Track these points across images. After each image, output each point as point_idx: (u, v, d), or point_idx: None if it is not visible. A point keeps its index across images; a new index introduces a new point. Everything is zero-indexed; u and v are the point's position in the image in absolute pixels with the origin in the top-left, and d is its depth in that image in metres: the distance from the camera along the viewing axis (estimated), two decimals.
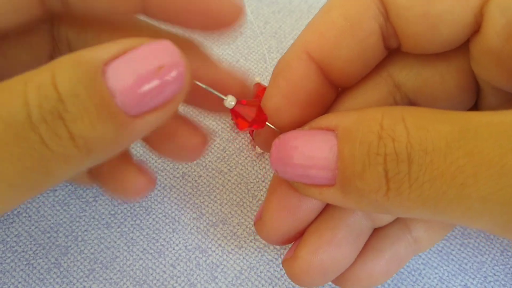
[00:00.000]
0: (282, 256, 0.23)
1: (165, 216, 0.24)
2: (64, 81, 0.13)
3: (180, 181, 0.25)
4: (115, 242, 0.23)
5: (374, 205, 0.14)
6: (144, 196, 0.19)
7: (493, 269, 0.23)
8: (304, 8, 0.31)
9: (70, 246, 0.23)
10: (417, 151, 0.13)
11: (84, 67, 0.13)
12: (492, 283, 0.23)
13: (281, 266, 0.23)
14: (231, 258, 0.23)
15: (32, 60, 0.18)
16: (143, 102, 0.13)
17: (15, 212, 0.24)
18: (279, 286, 0.22)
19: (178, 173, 0.25)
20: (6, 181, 0.13)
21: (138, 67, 0.13)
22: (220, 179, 0.25)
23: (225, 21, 0.17)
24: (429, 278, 0.23)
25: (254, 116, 0.17)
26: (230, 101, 0.17)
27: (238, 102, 0.17)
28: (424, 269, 0.23)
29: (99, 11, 0.16)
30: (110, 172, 0.18)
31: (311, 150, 0.15)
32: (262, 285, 0.22)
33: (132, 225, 0.24)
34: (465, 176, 0.12)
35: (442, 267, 0.23)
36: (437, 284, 0.23)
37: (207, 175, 0.25)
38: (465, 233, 0.24)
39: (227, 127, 0.27)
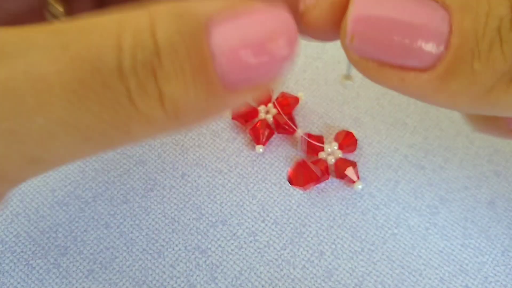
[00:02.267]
0: (282, 257, 0.23)
1: (164, 216, 0.24)
2: (164, 32, 0.11)
3: (180, 181, 0.25)
4: (115, 242, 0.23)
5: (482, 99, 0.12)
6: None
7: (494, 269, 0.23)
8: None
9: (69, 246, 0.23)
10: None
11: (188, 21, 0.11)
12: (493, 284, 0.23)
13: (281, 266, 0.23)
14: (230, 259, 0.23)
15: None
16: (245, 76, 0.12)
17: (14, 212, 0.24)
18: (279, 287, 0.22)
19: (177, 173, 0.25)
20: (82, 134, 0.11)
21: (249, 36, 0.11)
22: (220, 179, 0.25)
23: None
24: (430, 279, 0.23)
25: None
26: None
27: None
28: (424, 269, 0.23)
29: None
30: None
31: (418, 15, 0.11)
32: (262, 286, 0.22)
33: (131, 225, 0.24)
34: None
35: (443, 267, 0.23)
36: (438, 285, 0.23)
37: (207, 175, 0.25)
38: (466, 233, 0.24)
39: (227, 127, 0.26)
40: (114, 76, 0.11)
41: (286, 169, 0.25)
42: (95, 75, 0.11)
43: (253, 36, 0.11)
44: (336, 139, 0.26)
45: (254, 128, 0.26)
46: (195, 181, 0.25)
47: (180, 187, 0.25)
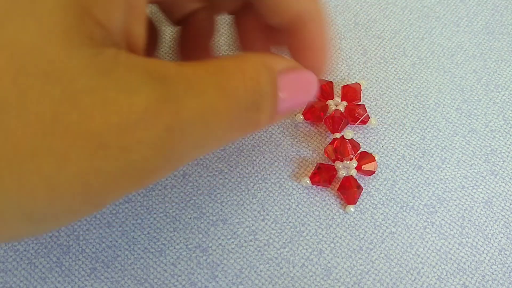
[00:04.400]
0: (282, 255, 0.23)
1: (166, 215, 0.24)
2: (262, 81, 0.17)
3: (181, 180, 0.25)
4: (117, 241, 0.23)
5: None
6: None
7: (491, 268, 0.23)
8: None
9: (72, 245, 0.23)
10: None
11: (272, 72, 0.18)
12: (490, 282, 0.23)
13: (280, 265, 0.23)
14: (231, 257, 0.23)
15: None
16: (288, 109, 0.19)
17: None
18: (279, 285, 0.23)
19: (179, 172, 0.25)
20: (223, 138, 0.17)
21: (298, 86, 0.19)
22: (221, 178, 0.25)
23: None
24: (428, 277, 0.23)
25: None
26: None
27: None
28: (422, 268, 0.23)
29: None
30: None
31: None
32: (262, 284, 0.23)
33: (133, 224, 0.24)
34: None
35: (440, 266, 0.23)
36: (435, 283, 0.23)
37: (208, 174, 0.25)
38: (463, 232, 0.24)
39: None
40: (245, 106, 0.17)
41: (287, 169, 0.26)
42: (237, 106, 0.17)
43: (299, 85, 0.19)
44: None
45: (330, 117, 0.26)
46: (196, 180, 0.25)
47: (181, 186, 0.25)
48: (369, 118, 0.27)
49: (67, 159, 0.13)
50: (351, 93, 0.27)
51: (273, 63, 0.18)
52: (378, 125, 0.27)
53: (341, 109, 0.27)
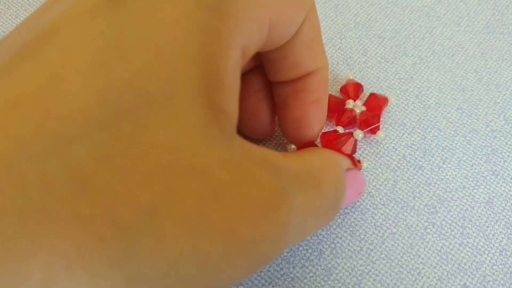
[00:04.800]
0: (282, 256, 0.23)
1: None
2: (343, 180, 0.20)
3: None
4: None
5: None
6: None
7: (492, 268, 0.23)
8: None
9: None
10: None
11: (342, 171, 0.19)
12: (491, 283, 0.23)
13: (280, 265, 0.23)
14: None
15: None
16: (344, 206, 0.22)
17: None
18: (279, 285, 0.23)
19: None
20: (310, 233, 0.19)
21: (355, 187, 0.21)
22: None
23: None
24: (428, 278, 0.23)
25: None
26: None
27: None
28: (423, 268, 0.23)
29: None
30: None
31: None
32: (262, 285, 0.23)
33: None
34: None
35: (441, 266, 0.23)
36: (436, 284, 0.23)
37: None
38: (464, 233, 0.24)
39: None
40: (332, 205, 0.19)
41: None
42: (327, 204, 0.19)
43: (355, 185, 0.22)
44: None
45: (341, 111, 0.26)
46: None
47: None
48: (379, 129, 0.26)
49: (208, 258, 0.13)
50: (375, 103, 0.27)
51: (341, 161, 0.20)
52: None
53: (357, 111, 0.26)
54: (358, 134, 0.25)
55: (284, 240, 0.15)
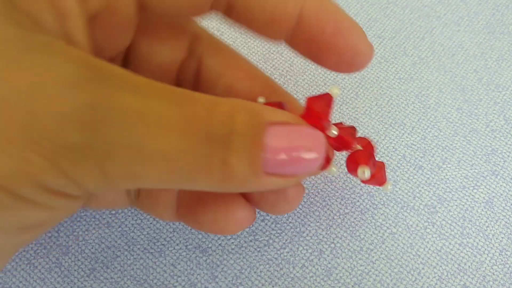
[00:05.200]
0: (282, 256, 0.23)
1: None
2: (240, 120, 0.15)
3: None
4: (116, 241, 0.23)
5: None
6: (240, 230, 0.20)
7: (492, 268, 0.23)
8: None
9: (71, 245, 0.23)
10: None
11: (257, 118, 0.15)
12: (491, 283, 0.23)
13: (280, 265, 0.23)
14: (231, 258, 0.23)
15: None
16: (280, 167, 0.16)
17: None
18: (279, 285, 0.23)
19: None
20: (171, 168, 0.14)
21: (292, 141, 0.16)
22: None
23: (358, 63, 0.19)
24: (428, 278, 0.23)
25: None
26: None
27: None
28: (423, 268, 0.23)
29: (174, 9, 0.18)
30: (214, 199, 0.19)
31: None
32: (262, 284, 0.23)
33: (132, 224, 0.24)
34: None
35: (441, 266, 0.23)
36: (436, 284, 0.23)
37: None
38: (464, 233, 0.24)
39: None
40: (203, 140, 0.14)
41: None
42: (195, 132, 0.14)
43: (295, 141, 0.16)
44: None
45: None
46: None
47: None
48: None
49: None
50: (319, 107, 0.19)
51: (264, 112, 0.16)
52: (379, 124, 0.27)
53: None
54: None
55: (91, 126, 0.14)
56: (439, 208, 0.25)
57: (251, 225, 0.23)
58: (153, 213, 0.22)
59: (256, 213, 0.21)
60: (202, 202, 0.20)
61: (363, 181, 0.20)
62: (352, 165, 0.19)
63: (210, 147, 0.14)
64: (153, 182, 0.15)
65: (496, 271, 0.23)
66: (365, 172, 0.19)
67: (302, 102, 0.28)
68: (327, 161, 0.17)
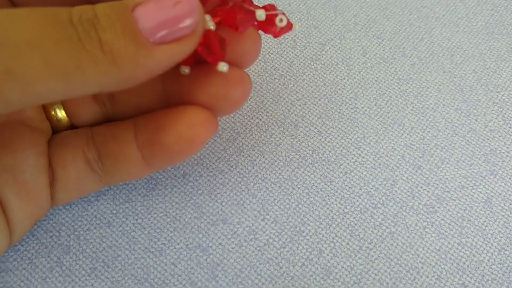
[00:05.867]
0: (282, 255, 0.23)
1: (166, 215, 0.24)
2: (101, 8, 0.16)
3: (181, 180, 0.25)
4: (117, 241, 0.23)
5: None
6: (209, 137, 0.20)
7: (491, 268, 0.23)
8: (303, 9, 0.32)
9: (72, 245, 0.23)
10: None
11: (117, 4, 0.16)
12: (489, 282, 0.23)
13: (280, 264, 0.23)
14: (231, 257, 0.23)
15: None
16: (161, 31, 0.16)
17: None
18: (279, 284, 0.23)
19: (179, 172, 0.25)
20: (44, 56, 0.15)
21: (160, 4, 0.16)
22: (221, 178, 0.25)
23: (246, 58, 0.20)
24: (427, 277, 0.23)
25: None
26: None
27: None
28: (422, 267, 0.23)
29: None
30: (170, 118, 0.20)
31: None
32: (262, 284, 0.23)
33: (133, 224, 0.24)
34: None
35: (440, 266, 0.23)
36: (435, 283, 0.23)
37: (208, 174, 0.25)
38: (462, 232, 0.24)
39: (228, 127, 0.27)
40: (66, 22, 0.15)
41: (287, 169, 0.26)
42: (54, 20, 0.15)
43: (161, 2, 0.16)
44: None
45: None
46: (196, 180, 0.25)
47: (182, 186, 0.25)
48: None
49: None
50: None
51: (126, 1, 0.16)
52: (378, 125, 0.27)
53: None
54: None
55: None
56: (438, 207, 0.25)
57: (215, 133, 0.22)
58: (124, 172, 0.21)
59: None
60: (159, 128, 0.20)
61: (276, 34, 0.20)
62: (264, 24, 0.20)
63: (75, 29, 0.15)
64: (37, 85, 0.15)
65: (495, 270, 0.23)
66: (283, 19, 0.19)
67: (303, 104, 0.28)
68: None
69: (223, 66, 0.18)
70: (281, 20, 0.19)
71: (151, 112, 0.21)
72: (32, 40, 0.15)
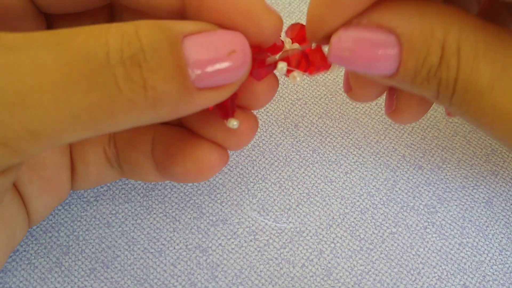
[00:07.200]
0: (282, 256, 0.23)
1: (165, 215, 0.24)
2: (147, 36, 0.14)
3: None
4: (116, 241, 0.23)
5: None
6: (215, 173, 0.20)
7: (492, 268, 0.23)
8: (303, 9, 0.31)
9: (71, 245, 0.23)
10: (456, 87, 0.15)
11: (167, 31, 0.14)
12: (490, 282, 0.23)
13: (280, 265, 0.23)
14: (231, 258, 0.23)
15: None
16: (210, 78, 0.15)
17: None
18: (279, 285, 0.23)
19: None
20: (71, 111, 0.13)
21: (214, 47, 0.15)
22: (221, 178, 0.25)
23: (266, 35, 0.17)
24: (428, 277, 0.23)
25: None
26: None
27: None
28: (423, 268, 0.23)
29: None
30: (182, 149, 0.19)
31: (375, 50, 0.16)
32: (262, 284, 0.23)
33: (133, 224, 0.24)
34: None
35: (441, 266, 0.23)
36: (436, 283, 0.23)
37: None
38: (463, 232, 0.24)
39: None
40: (102, 65, 0.13)
41: (287, 169, 0.26)
42: (84, 64, 0.13)
43: (217, 47, 0.15)
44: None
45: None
46: None
47: (181, 186, 0.25)
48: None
49: None
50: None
51: (173, 24, 0.14)
52: (379, 125, 0.27)
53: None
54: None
55: None
56: (439, 208, 0.25)
57: (224, 167, 0.21)
58: (139, 177, 0.22)
59: (229, 156, 0.20)
60: (171, 155, 0.20)
61: (311, 73, 0.19)
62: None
63: (113, 71, 0.13)
64: (63, 138, 0.14)
65: (495, 270, 0.23)
66: (297, 76, 0.18)
67: (303, 104, 0.28)
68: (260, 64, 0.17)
69: (233, 123, 0.18)
70: (294, 78, 0.18)
71: (169, 127, 0.21)
72: (57, 96, 0.13)
